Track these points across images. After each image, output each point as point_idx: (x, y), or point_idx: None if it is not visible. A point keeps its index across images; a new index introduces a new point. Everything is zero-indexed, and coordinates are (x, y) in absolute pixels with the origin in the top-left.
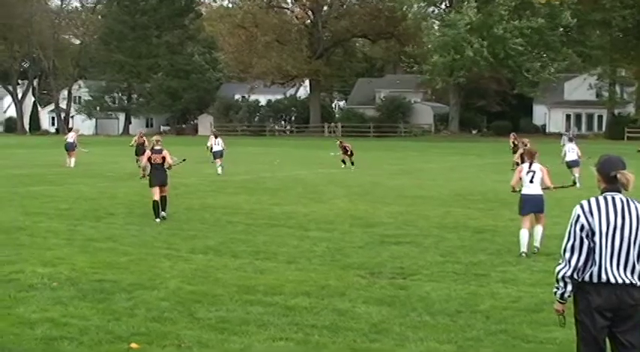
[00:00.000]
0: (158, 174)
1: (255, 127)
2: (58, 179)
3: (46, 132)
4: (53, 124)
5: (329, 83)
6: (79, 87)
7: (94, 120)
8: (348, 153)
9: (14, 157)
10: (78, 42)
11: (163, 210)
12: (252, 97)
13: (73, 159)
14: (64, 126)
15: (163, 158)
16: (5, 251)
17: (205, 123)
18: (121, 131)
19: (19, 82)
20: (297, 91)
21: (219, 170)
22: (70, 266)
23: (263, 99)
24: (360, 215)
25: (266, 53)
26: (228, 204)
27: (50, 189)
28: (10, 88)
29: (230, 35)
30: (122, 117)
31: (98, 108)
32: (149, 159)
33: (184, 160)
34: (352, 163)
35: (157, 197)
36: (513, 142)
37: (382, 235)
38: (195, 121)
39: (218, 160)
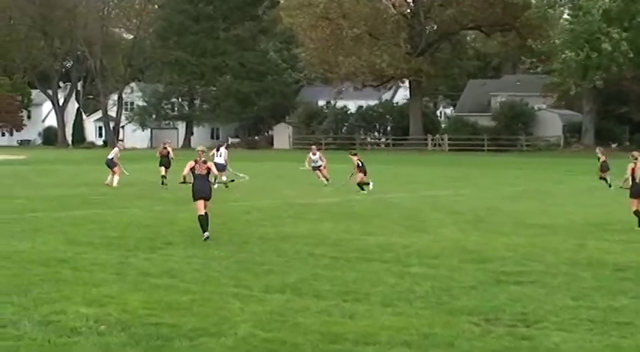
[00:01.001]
0: (202, 185)
1: (342, 139)
2: (106, 201)
3: (92, 145)
4: (100, 135)
5: (433, 85)
6: (131, 90)
7: (149, 130)
8: (357, 169)
9: (54, 175)
10: (130, 37)
11: (206, 230)
12: (340, 103)
13: (116, 178)
14: (113, 138)
15: (209, 169)
16: (44, 287)
17: (282, 134)
18: (180, 144)
19: (61, 85)
20: (393, 96)
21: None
22: (120, 307)
23: (352, 106)
24: (472, 247)
25: (356, 49)
26: (310, 233)
27: (97, 214)
28: (50, 92)
29: (312, 28)
30: (182, 127)
31: (154, 116)
32: (192, 169)
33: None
34: (363, 186)
35: (202, 211)
36: None
37: (499, 272)
38: (270, 132)
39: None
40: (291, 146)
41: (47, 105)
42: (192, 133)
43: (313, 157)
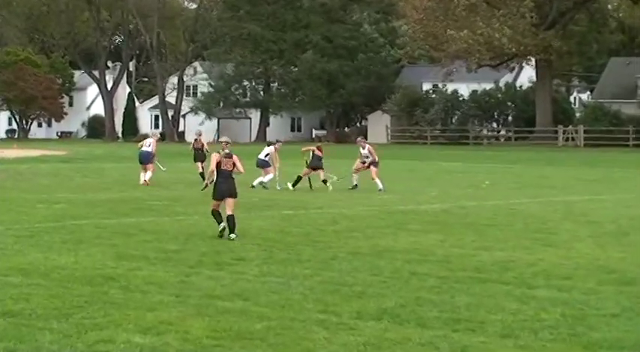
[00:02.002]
0: (225, 183)
1: (452, 132)
2: (164, 207)
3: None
4: (157, 126)
5: (565, 65)
6: (194, 72)
7: (216, 120)
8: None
9: (101, 174)
10: (193, 7)
11: (232, 231)
12: (449, 87)
13: (149, 174)
14: (171, 129)
15: (234, 164)
16: (89, 310)
17: (378, 125)
18: (254, 137)
19: (109, 65)
20: (516, 78)
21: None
22: (180, 335)
23: (464, 90)
24: (614, 266)
25: (469, 21)
26: (412, 247)
27: (152, 222)
28: (96, 73)
29: None
30: (256, 116)
31: (221, 103)
32: (218, 164)
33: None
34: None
35: (217, 207)
36: None
37: None
38: (364, 122)
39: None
40: (388, 139)
41: (93, 90)
42: (267, 124)
43: (363, 151)
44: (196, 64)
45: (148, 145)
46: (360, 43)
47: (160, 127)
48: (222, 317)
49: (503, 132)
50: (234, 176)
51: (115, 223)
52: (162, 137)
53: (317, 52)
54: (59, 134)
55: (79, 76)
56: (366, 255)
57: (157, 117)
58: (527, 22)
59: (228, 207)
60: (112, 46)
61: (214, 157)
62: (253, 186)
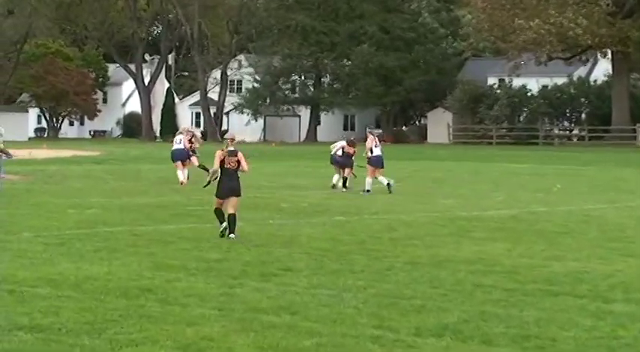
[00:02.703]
0: (230, 181)
1: (520, 131)
2: (204, 213)
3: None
4: (197, 125)
5: None
6: (239, 66)
7: (263, 119)
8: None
9: (137, 177)
10: None
11: (232, 231)
12: (517, 82)
13: (185, 172)
14: (214, 128)
15: (238, 162)
16: (124, 325)
17: (439, 123)
18: (303, 136)
19: (147, 58)
20: (590, 72)
21: None
22: None
23: (534, 85)
24: None
25: (539, 10)
26: (476, 257)
27: (192, 229)
28: (133, 68)
29: None
30: (305, 114)
31: (268, 99)
32: (222, 162)
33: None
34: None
35: (219, 205)
36: None
37: None
38: (423, 121)
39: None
40: (450, 139)
41: (128, 85)
42: (318, 122)
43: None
44: (241, 57)
45: (179, 142)
46: (419, 35)
47: (202, 126)
48: (268, 333)
49: (575, 132)
50: (239, 174)
51: (152, 230)
52: (204, 136)
53: (372, 45)
54: (92, 133)
55: (113, 70)
56: (426, 265)
57: (198, 114)
58: (603, 10)
59: (230, 206)
60: (150, 38)
61: (218, 154)
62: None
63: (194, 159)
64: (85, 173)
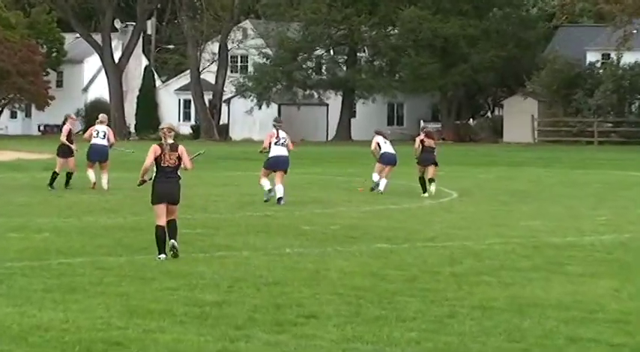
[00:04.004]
0: (168, 183)
1: (631, 126)
2: (197, 238)
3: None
4: (186, 117)
5: None
6: (244, 35)
7: (275, 107)
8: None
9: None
10: None
11: (173, 237)
12: (627, 59)
13: (105, 177)
14: (209, 121)
15: (179, 158)
16: None
17: (519, 115)
18: (332, 132)
19: (117, 25)
20: None
21: None
22: None
23: None
24: None
25: None
26: (571, 300)
27: (180, 261)
28: (99, 39)
29: None
30: (335, 102)
31: (283, 82)
32: (157, 159)
33: (202, 152)
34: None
35: (162, 221)
36: None
37: None
38: (498, 112)
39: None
40: (534, 137)
41: (92, 63)
42: (353, 114)
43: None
44: (246, 23)
45: (103, 136)
46: None
47: (193, 118)
48: None
49: None
50: (180, 174)
51: (124, 262)
52: (196, 132)
53: (425, 7)
54: (42, 128)
55: (72, 42)
56: (502, 310)
57: (187, 102)
58: None
59: (169, 213)
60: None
61: (153, 149)
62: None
63: (71, 160)
64: (32, 183)
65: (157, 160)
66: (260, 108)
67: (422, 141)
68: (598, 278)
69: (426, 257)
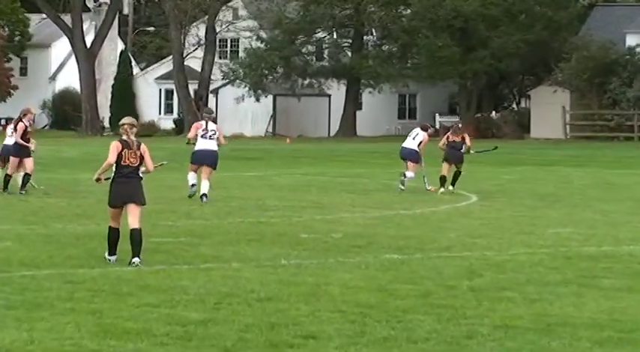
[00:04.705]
0: (128, 184)
1: None
2: (180, 248)
3: (153, 130)
4: (169, 109)
5: None
6: (234, 16)
7: (270, 98)
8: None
9: (74, 192)
10: None
11: (136, 254)
12: None
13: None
14: (195, 114)
15: (141, 157)
16: None
17: (549, 107)
18: (335, 127)
19: (90, 5)
20: None
21: None
22: None
23: None
24: None
25: None
26: (606, 318)
27: (161, 273)
28: (68, 20)
29: None
30: (338, 92)
31: (279, 69)
32: (120, 155)
33: (164, 163)
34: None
35: (117, 223)
36: None
37: None
38: (524, 103)
39: None
40: (566, 132)
41: (61, 48)
42: (359, 106)
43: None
44: (237, 2)
45: (10, 134)
46: None
47: (175, 111)
48: None
49: None
50: (141, 174)
51: (97, 275)
52: (179, 126)
53: None
54: (3, 122)
55: (37, 24)
56: (527, 330)
57: (169, 93)
58: None
59: (131, 217)
60: None
61: (115, 146)
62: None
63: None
64: None
65: (117, 158)
66: (258, 100)
67: (447, 137)
68: (637, 293)
69: (441, 269)
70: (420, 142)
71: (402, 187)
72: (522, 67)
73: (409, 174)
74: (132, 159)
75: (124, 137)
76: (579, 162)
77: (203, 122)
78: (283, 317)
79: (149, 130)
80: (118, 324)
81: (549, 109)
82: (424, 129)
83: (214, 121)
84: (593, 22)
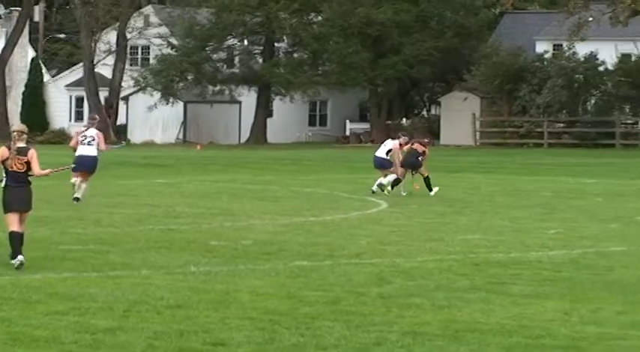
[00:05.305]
0: (18, 190)
1: (585, 126)
2: (89, 255)
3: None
4: (79, 117)
5: None
6: (145, 23)
7: (181, 106)
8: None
9: None
10: None
11: (17, 254)
12: (580, 49)
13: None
14: (106, 122)
15: (27, 163)
16: None
17: (460, 113)
18: (246, 134)
19: (0, 10)
20: None
21: None
22: None
23: (607, 55)
24: None
25: None
26: (515, 324)
27: (69, 281)
28: None
29: None
30: (249, 99)
31: (189, 76)
32: (4, 163)
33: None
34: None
35: (16, 226)
36: None
37: None
38: (434, 110)
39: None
40: (476, 139)
41: None
42: (269, 113)
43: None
44: (148, 9)
45: None
46: None
47: (85, 117)
48: None
49: None
50: (30, 180)
51: (6, 283)
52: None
53: None
54: None
55: None
56: (435, 336)
57: (79, 100)
58: None
59: (20, 221)
60: None
61: (0, 152)
62: (374, 192)
63: None
64: None
65: (5, 164)
66: (167, 103)
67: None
68: (545, 300)
69: (351, 276)
70: (390, 150)
71: (374, 189)
72: (433, 74)
73: (388, 178)
74: (18, 166)
75: (12, 144)
76: (488, 169)
77: (84, 129)
78: (192, 325)
79: (59, 138)
80: (27, 332)
81: (459, 116)
82: (394, 138)
83: (98, 128)
84: (504, 29)
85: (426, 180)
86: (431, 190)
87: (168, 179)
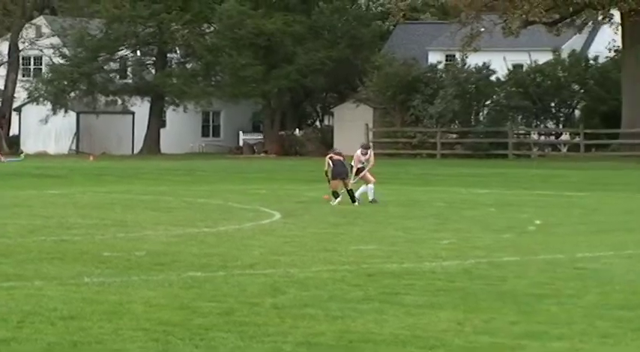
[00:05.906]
0: None
1: (478, 136)
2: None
3: None
4: None
5: None
6: (37, 33)
7: (73, 116)
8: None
9: None
10: None
11: None
12: (473, 60)
13: None
14: None
15: None
16: None
17: (352, 124)
18: (139, 144)
19: None
20: (588, 45)
21: None
22: None
23: (499, 65)
24: None
25: None
26: (408, 334)
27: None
28: None
29: None
30: (142, 109)
31: (82, 86)
32: None
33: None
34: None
35: None
36: None
37: None
38: (327, 121)
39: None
40: None
41: None
42: (162, 123)
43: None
44: (40, 20)
45: None
46: None
47: None
48: None
49: (565, 137)
50: None
51: None
52: None
53: (246, 1)
54: None
55: None
56: (329, 347)
57: None
58: None
59: None
60: None
61: None
62: (374, 200)
63: None
64: None
65: None
66: (55, 113)
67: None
68: (439, 310)
69: (245, 286)
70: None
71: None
72: (326, 84)
73: (368, 186)
74: None
75: None
76: (382, 180)
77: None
78: (86, 336)
79: None
80: None
81: (352, 127)
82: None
83: None
84: (396, 39)
85: (350, 191)
86: (354, 201)
87: (61, 190)
